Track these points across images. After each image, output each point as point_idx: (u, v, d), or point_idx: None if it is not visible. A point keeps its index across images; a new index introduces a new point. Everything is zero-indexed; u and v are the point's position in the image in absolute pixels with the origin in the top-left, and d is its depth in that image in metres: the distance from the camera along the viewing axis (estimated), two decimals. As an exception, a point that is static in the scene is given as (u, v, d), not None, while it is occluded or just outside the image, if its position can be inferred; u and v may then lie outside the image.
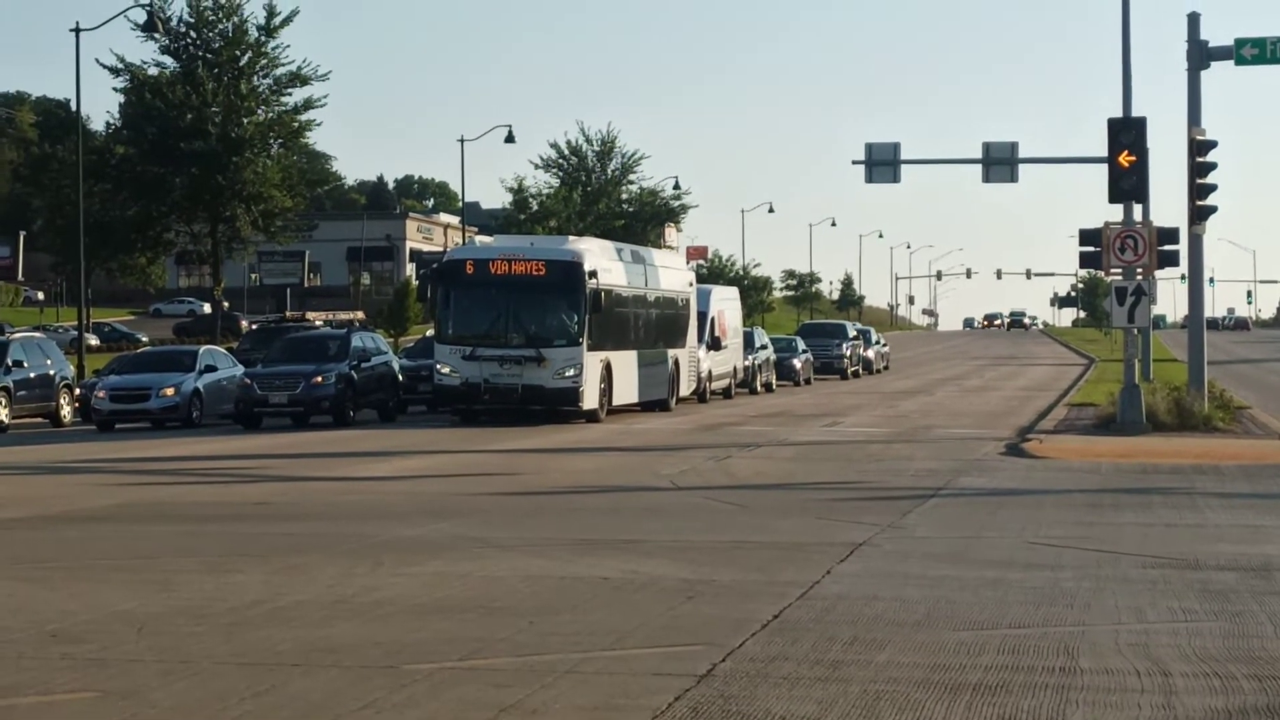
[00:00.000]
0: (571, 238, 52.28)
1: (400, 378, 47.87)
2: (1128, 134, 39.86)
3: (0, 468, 31.55)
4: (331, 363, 44.63)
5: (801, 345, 73.73)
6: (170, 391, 45.28)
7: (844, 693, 10.82)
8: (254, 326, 74.29)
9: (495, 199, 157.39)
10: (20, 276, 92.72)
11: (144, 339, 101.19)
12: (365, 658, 12.01)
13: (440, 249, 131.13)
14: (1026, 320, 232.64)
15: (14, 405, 45.58)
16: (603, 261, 44.95)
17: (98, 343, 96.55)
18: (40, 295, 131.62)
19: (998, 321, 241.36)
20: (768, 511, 22.20)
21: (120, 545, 18.75)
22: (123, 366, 48.71)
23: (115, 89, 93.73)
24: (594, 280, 42.80)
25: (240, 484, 27.22)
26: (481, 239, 46.95)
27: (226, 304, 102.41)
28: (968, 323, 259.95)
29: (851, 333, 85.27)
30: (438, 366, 43.13)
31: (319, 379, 43.81)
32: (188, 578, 16.00)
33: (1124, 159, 39.65)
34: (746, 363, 61.26)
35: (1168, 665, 11.72)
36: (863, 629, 13.10)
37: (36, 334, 59.39)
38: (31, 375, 46.55)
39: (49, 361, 48.00)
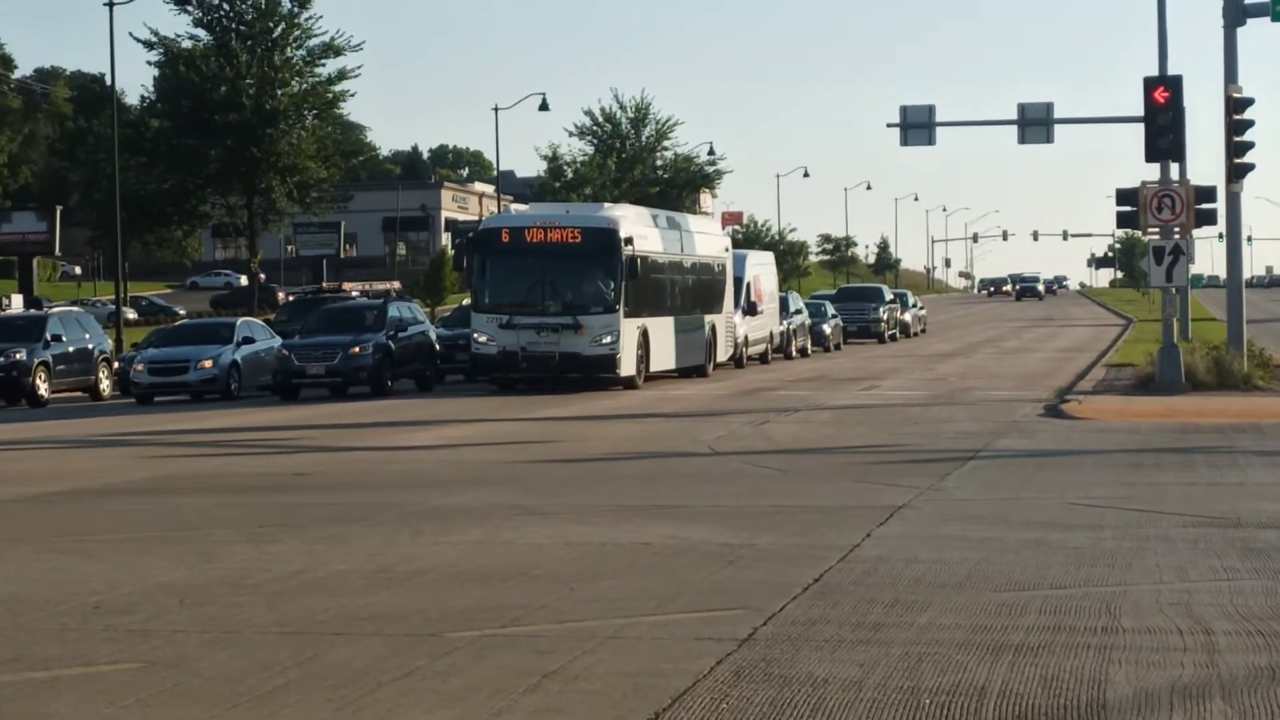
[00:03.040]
0: (607, 205, 52.26)
1: (437, 347, 47.89)
2: (1164, 92, 39.69)
3: (41, 442, 31.71)
4: (369, 333, 44.68)
5: (831, 309, 73.24)
6: (208, 364, 45.40)
7: (885, 655, 10.81)
8: (291, 298, 74.65)
9: (530, 167, 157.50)
10: (57, 251, 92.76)
11: (181, 312, 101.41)
12: (407, 626, 12.04)
13: (475, 218, 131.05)
14: (1041, 286, 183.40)
15: (53, 379, 45.74)
16: (638, 228, 44.91)
17: (135, 316, 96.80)
18: (77, 270, 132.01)
19: (1005, 288, 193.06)
20: (807, 476, 22.20)
21: (161, 517, 18.82)
22: (161, 339, 48.85)
23: (149, 63, 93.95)
24: (630, 247, 42.77)
25: (280, 455, 27.28)
26: (517, 207, 46.93)
27: (263, 276, 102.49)
28: (983, 285, 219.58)
29: (888, 296, 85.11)
30: (474, 335, 43.18)
31: (356, 349, 43.86)
32: (229, 548, 16.05)
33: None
34: (782, 327, 61.21)
35: (1210, 624, 11.68)
36: (904, 591, 13.08)
37: (74, 308, 59.62)
38: (70, 349, 46.71)
39: (87, 335, 48.16)
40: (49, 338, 45.91)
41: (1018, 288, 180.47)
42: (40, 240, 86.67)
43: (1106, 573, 13.93)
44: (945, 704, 9.58)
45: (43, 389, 45.11)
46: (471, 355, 43.92)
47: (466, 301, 50.68)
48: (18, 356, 44.60)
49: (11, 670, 10.88)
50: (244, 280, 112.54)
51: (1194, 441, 26.29)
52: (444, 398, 42.58)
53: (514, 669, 10.58)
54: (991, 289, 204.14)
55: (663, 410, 35.67)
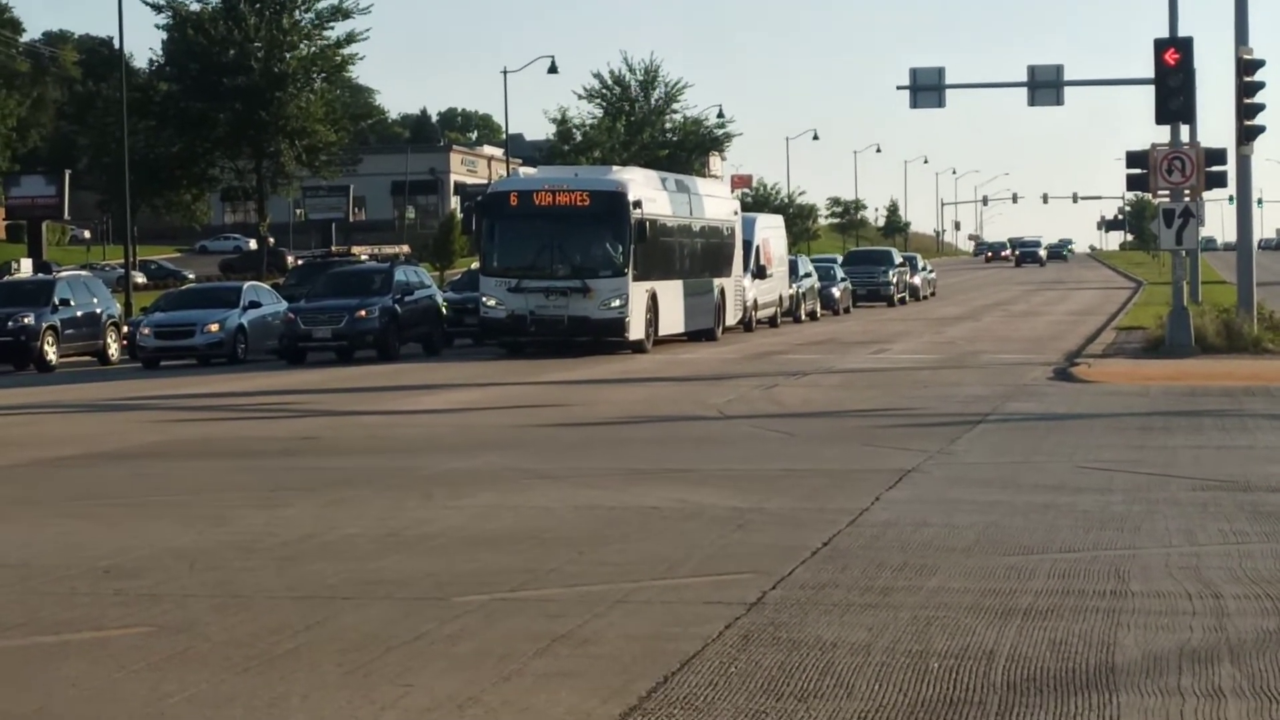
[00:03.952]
0: (615, 168, 52.14)
1: (445, 311, 47.77)
2: (1174, 54, 39.58)
3: (49, 406, 31.73)
4: (375, 297, 44.61)
5: (840, 273, 73.11)
6: (215, 328, 45.37)
7: (894, 619, 10.80)
8: (299, 262, 74.55)
9: (539, 131, 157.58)
10: (66, 215, 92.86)
11: (190, 276, 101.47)
12: (417, 590, 12.04)
13: (484, 181, 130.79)
14: (1044, 251, 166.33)
15: (61, 344, 45.74)
16: (647, 191, 44.82)
17: (144, 280, 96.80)
18: (86, 234, 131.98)
19: (1005, 253, 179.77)
20: (816, 439, 22.18)
21: (170, 481, 18.83)
22: (168, 303, 48.81)
23: (158, 26, 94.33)
24: (639, 210, 42.69)
25: (287, 419, 27.28)
26: (525, 170, 46.82)
27: (272, 240, 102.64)
28: (980, 250, 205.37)
29: (898, 259, 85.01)
30: (483, 299, 43.12)
31: (362, 313, 43.79)
32: (238, 512, 16.05)
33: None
34: (791, 291, 61.17)
35: (1219, 587, 11.66)
36: (913, 555, 13.08)
37: (83, 272, 59.63)
38: (78, 314, 46.69)
39: (95, 300, 48.14)
40: (57, 302, 45.88)
41: (1018, 253, 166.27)
42: (49, 204, 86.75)
43: (1115, 536, 13.91)
44: (954, 667, 9.58)
45: (50, 353, 45.10)
46: (480, 319, 43.87)
47: (475, 265, 50.64)
48: (26, 321, 44.60)
49: (21, 634, 10.90)
50: (253, 244, 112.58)
51: (1203, 405, 26.24)
52: (452, 362, 42.56)
53: (523, 633, 10.58)
54: (989, 254, 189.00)
55: (671, 374, 35.64)
